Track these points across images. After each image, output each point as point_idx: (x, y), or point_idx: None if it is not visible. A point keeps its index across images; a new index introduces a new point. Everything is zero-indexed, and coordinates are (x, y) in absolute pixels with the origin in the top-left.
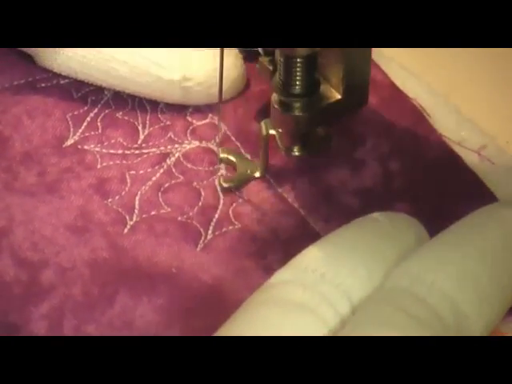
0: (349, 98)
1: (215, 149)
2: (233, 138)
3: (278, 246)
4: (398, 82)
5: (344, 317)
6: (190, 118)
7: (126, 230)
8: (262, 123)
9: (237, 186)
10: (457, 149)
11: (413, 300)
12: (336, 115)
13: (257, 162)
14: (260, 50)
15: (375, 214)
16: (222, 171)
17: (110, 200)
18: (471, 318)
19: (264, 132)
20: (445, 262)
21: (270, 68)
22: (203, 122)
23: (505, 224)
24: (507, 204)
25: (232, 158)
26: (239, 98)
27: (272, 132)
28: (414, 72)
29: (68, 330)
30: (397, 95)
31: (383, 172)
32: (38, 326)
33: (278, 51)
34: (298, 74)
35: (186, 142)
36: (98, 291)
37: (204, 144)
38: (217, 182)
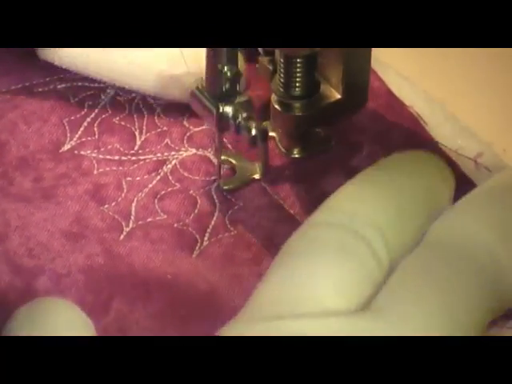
0: (349, 98)
1: (212, 157)
2: (229, 145)
3: (273, 252)
4: (395, 90)
5: (380, 255)
6: (187, 124)
7: (121, 237)
8: (263, 124)
9: (237, 188)
10: (453, 156)
11: (456, 248)
12: (336, 115)
13: (256, 164)
14: (260, 49)
15: (396, 155)
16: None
17: (106, 206)
18: (509, 269)
19: (263, 127)
20: (483, 216)
21: (270, 68)
22: (200, 128)
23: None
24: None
25: (232, 159)
26: None
27: (272, 134)
28: (411, 79)
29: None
30: (393, 102)
31: None
32: None
33: (277, 51)
34: (298, 74)
35: (183, 149)
36: (93, 298)
37: (201, 152)
38: (214, 187)
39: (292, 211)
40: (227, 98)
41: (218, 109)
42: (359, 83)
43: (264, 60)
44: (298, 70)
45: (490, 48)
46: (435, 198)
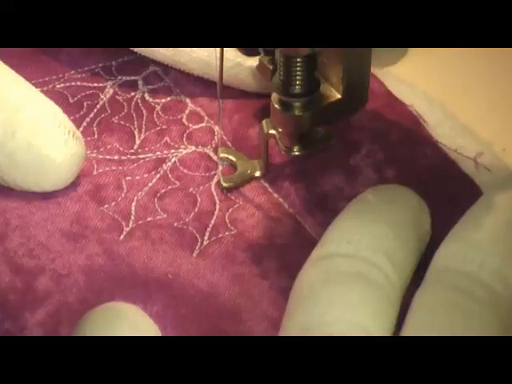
0: (349, 98)
1: (211, 154)
2: (228, 143)
3: (273, 251)
4: (395, 91)
5: (391, 278)
6: (186, 122)
7: (121, 237)
8: (263, 123)
9: (237, 186)
10: (453, 156)
11: (468, 279)
12: (336, 115)
13: (257, 162)
14: (260, 49)
15: (372, 189)
16: (219, 177)
17: (106, 206)
18: None
19: (264, 131)
20: (488, 240)
21: (270, 68)
22: (199, 125)
23: None
24: None
25: (232, 157)
26: (235, 102)
27: (272, 132)
28: (411, 81)
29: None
30: (393, 103)
31: (378, 179)
32: (34, 334)
33: (278, 51)
34: (298, 73)
35: (182, 146)
36: (93, 298)
37: (200, 149)
38: (214, 184)
39: (292, 210)
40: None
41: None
42: (359, 83)
43: (264, 60)
44: (298, 69)
45: (489, 48)
46: (418, 226)
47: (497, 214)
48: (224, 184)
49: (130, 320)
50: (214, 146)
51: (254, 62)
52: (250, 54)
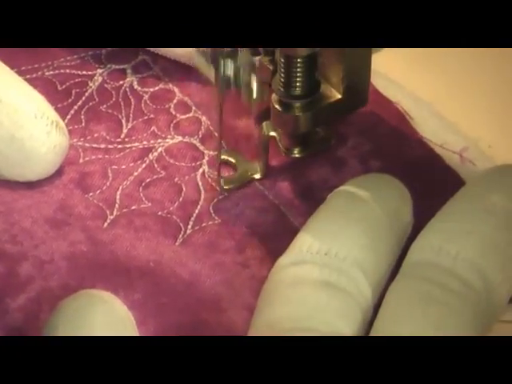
0: (349, 98)
1: (198, 144)
2: (216, 134)
3: (256, 241)
4: (382, 89)
5: (362, 287)
6: (173, 111)
7: (105, 225)
8: (263, 124)
9: (237, 188)
10: (438, 151)
11: (443, 272)
12: (336, 115)
13: (257, 163)
14: (260, 49)
15: (350, 183)
16: (205, 167)
17: (90, 194)
18: (497, 284)
19: (265, 134)
20: (464, 232)
21: (270, 68)
22: (187, 115)
23: (505, 187)
24: (507, 168)
25: (232, 159)
26: (225, 94)
27: (273, 134)
28: (398, 80)
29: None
30: (380, 100)
31: (364, 170)
32: (15, 318)
33: (278, 51)
34: (298, 73)
35: (169, 136)
36: (75, 284)
37: (187, 139)
38: (199, 174)
39: (277, 201)
40: (230, 54)
41: (219, 64)
42: (359, 83)
43: (264, 60)
44: (299, 69)
45: (475, 48)
46: (398, 217)
47: (473, 205)
48: (224, 186)
49: (104, 308)
50: (200, 136)
51: None
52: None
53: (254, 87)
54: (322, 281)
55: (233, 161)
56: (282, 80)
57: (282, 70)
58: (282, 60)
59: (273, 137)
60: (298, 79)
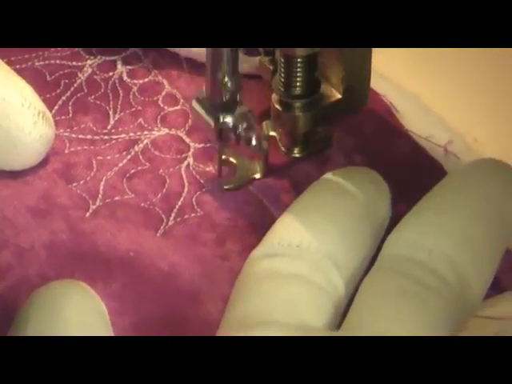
0: (349, 98)
1: (184, 137)
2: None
3: (237, 234)
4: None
5: (333, 280)
6: (161, 104)
7: (87, 215)
8: (263, 124)
9: (237, 188)
10: (423, 143)
11: (417, 266)
12: (336, 115)
13: (257, 163)
14: (260, 49)
15: (328, 175)
16: (190, 159)
17: (74, 185)
18: (471, 278)
19: (265, 133)
20: (439, 227)
21: (271, 68)
22: (175, 108)
23: (482, 182)
24: (484, 162)
25: (232, 159)
26: None
27: (273, 134)
28: (382, 72)
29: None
30: None
31: (347, 164)
32: None
33: (278, 51)
34: (298, 73)
35: (156, 128)
36: (54, 274)
37: (173, 131)
38: (184, 167)
39: (259, 194)
40: (227, 109)
41: (218, 120)
42: (359, 83)
43: (264, 60)
44: (299, 69)
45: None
46: (374, 212)
47: (450, 199)
48: (224, 186)
49: (77, 298)
50: (187, 129)
51: None
52: (250, 54)
53: (253, 142)
54: (293, 274)
55: (233, 161)
56: (282, 80)
57: (282, 69)
58: (282, 60)
59: (273, 136)
60: (298, 79)
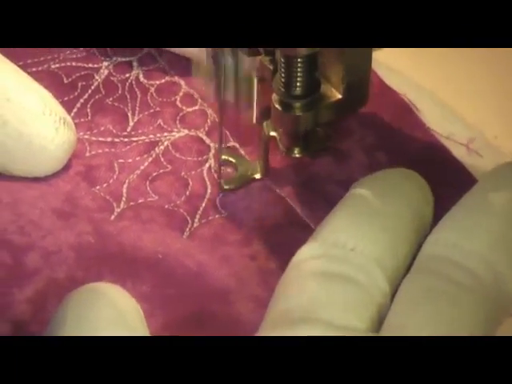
0: (349, 98)
1: (204, 137)
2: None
3: (263, 233)
4: (387, 81)
5: (381, 285)
6: (179, 104)
7: (112, 217)
8: (264, 125)
9: (237, 188)
10: (445, 142)
11: (453, 266)
12: (336, 115)
13: (257, 163)
14: (260, 49)
15: (375, 176)
16: (211, 161)
17: (97, 187)
18: (508, 278)
19: (265, 134)
20: (475, 227)
21: (271, 68)
22: (193, 108)
23: None
24: (509, 166)
25: (233, 159)
26: None
27: (273, 134)
28: (402, 71)
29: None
30: (386, 91)
31: (370, 163)
32: (22, 310)
33: (278, 51)
34: (298, 73)
35: (175, 129)
36: (82, 275)
37: (193, 132)
38: (206, 169)
39: (283, 194)
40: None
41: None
42: (359, 83)
43: (264, 60)
44: (299, 69)
45: None
46: (420, 218)
47: (486, 201)
48: (225, 186)
49: (111, 301)
50: (207, 129)
51: None
52: (250, 54)
53: (255, 85)
54: (342, 275)
55: (233, 161)
56: (283, 80)
57: (283, 69)
58: (282, 60)
59: (273, 137)
60: (298, 79)
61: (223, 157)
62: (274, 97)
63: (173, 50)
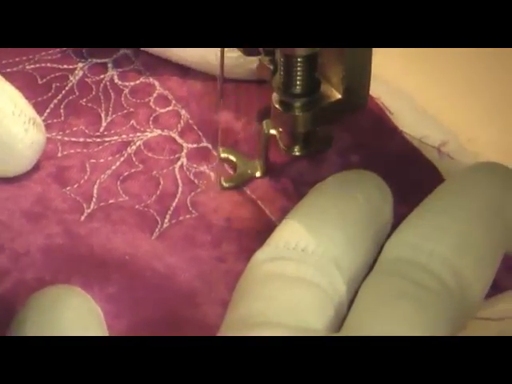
0: (349, 98)
1: (177, 137)
2: (195, 127)
3: (233, 235)
4: None
5: (337, 285)
6: (153, 105)
7: (82, 218)
8: (263, 123)
9: (237, 186)
10: (418, 145)
11: (417, 269)
12: (336, 115)
13: (257, 162)
14: (260, 49)
15: (332, 178)
16: (183, 160)
17: (68, 188)
18: (471, 281)
19: (265, 132)
20: (439, 229)
21: (271, 68)
22: (167, 109)
23: (482, 185)
24: (484, 166)
25: (232, 157)
26: (206, 87)
27: (273, 132)
28: (376, 74)
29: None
30: None
31: (343, 165)
32: None
33: (278, 51)
34: (298, 73)
35: (148, 130)
36: (50, 277)
37: (166, 132)
38: (177, 168)
39: (254, 196)
40: None
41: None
42: (359, 83)
43: (264, 60)
44: (299, 69)
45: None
46: (377, 217)
47: (450, 202)
48: (224, 184)
49: (73, 303)
50: (180, 129)
51: None
52: (250, 54)
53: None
54: (297, 277)
55: (233, 159)
56: (282, 79)
57: (282, 69)
58: (282, 60)
59: (273, 135)
60: (298, 79)
61: (222, 155)
62: (274, 96)
63: (151, 50)
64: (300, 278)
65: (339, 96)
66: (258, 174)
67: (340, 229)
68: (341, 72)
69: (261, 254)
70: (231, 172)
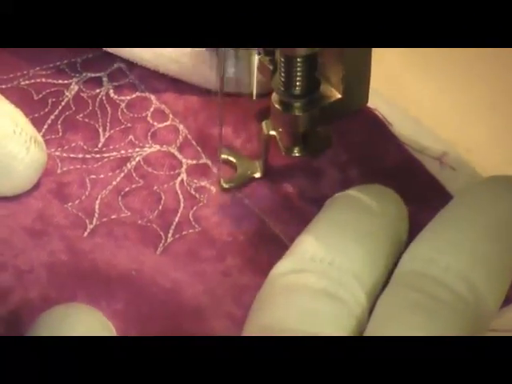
0: (349, 98)
1: (176, 153)
2: (193, 142)
3: (237, 249)
4: None
5: (359, 299)
6: (150, 120)
7: (85, 234)
8: (263, 123)
9: (237, 187)
10: (418, 156)
11: (432, 282)
12: (336, 115)
13: (257, 163)
14: (260, 49)
15: (350, 192)
16: (183, 175)
17: (69, 204)
18: (485, 294)
19: (265, 132)
20: (454, 243)
21: (271, 68)
22: (164, 124)
23: (500, 199)
24: (496, 179)
25: (232, 158)
26: (202, 102)
27: (272, 133)
28: (374, 85)
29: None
30: None
31: (342, 179)
32: None
33: (278, 51)
34: (298, 73)
35: (147, 145)
36: (55, 295)
37: (165, 148)
38: (178, 183)
39: (256, 209)
40: None
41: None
42: (359, 83)
43: (264, 60)
44: (299, 69)
45: (451, 49)
46: (395, 234)
47: (464, 216)
48: (224, 185)
49: (83, 322)
50: (178, 145)
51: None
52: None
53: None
54: (320, 289)
55: (233, 160)
56: (282, 80)
57: (282, 69)
58: (282, 60)
59: (273, 136)
60: (297, 79)
61: (223, 156)
62: (274, 96)
63: (145, 64)
64: (323, 290)
65: (339, 96)
66: (257, 175)
67: (360, 244)
68: (341, 72)
69: (284, 265)
70: (232, 172)
